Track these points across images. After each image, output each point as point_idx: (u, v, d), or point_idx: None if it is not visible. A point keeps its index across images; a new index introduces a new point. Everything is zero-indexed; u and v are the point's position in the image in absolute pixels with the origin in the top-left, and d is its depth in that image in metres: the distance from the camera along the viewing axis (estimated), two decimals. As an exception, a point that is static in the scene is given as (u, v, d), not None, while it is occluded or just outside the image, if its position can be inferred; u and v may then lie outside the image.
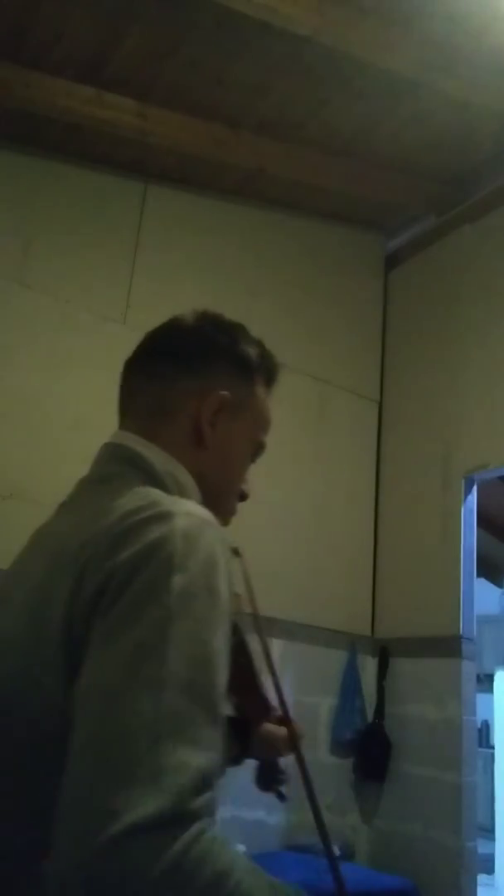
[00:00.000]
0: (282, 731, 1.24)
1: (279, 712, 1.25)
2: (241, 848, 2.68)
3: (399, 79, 2.68)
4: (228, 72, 2.73)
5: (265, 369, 1.00)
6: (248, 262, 3.41)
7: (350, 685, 3.16)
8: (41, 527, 0.91)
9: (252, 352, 0.98)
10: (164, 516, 0.74)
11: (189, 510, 0.77)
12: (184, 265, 3.21)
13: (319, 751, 3.09)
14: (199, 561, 0.72)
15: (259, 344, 1.01)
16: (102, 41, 2.59)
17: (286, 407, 3.37)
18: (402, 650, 3.17)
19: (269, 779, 1.31)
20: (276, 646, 3.06)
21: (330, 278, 3.65)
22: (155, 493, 0.80)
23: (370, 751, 3.08)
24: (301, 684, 3.07)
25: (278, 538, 3.17)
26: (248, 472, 1.02)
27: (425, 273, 3.63)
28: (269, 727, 1.24)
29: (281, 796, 1.32)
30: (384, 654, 3.23)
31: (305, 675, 3.09)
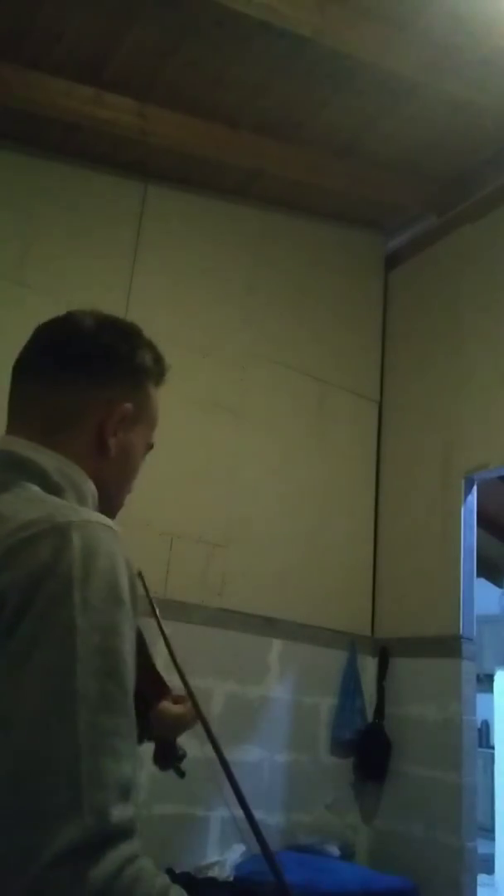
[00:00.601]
0: (178, 708, 1.27)
1: (176, 692, 1.28)
2: (240, 848, 2.68)
3: (399, 79, 2.68)
4: (228, 72, 2.73)
5: (158, 372, 0.99)
6: (248, 262, 3.41)
7: (350, 685, 3.16)
8: None
9: (148, 359, 0.97)
10: (60, 528, 0.72)
11: (86, 517, 0.76)
12: (184, 265, 3.21)
13: (319, 751, 3.09)
14: (99, 569, 0.71)
15: (152, 347, 0.99)
16: (102, 41, 2.59)
17: (286, 407, 3.41)
18: (402, 650, 3.16)
19: (167, 756, 1.32)
20: (276, 646, 3.06)
21: (330, 278, 3.65)
22: (49, 504, 0.78)
23: (370, 751, 3.08)
24: (301, 684, 3.07)
25: (278, 538, 3.17)
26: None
27: (425, 273, 3.63)
28: (165, 705, 1.26)
29: (180, 773, 1.34)
30: (384, 654, 3.23)
31: (305, 675, 3.09)
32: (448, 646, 2.93)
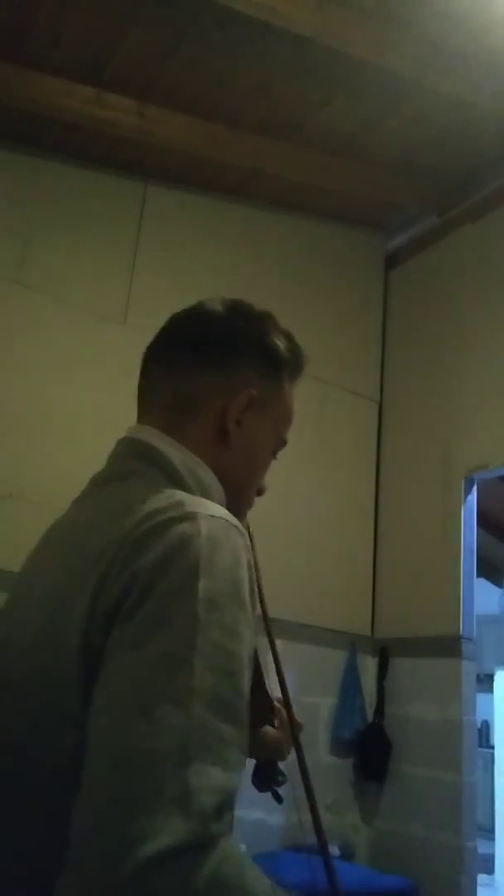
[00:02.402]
0: (277, 733, 1.22)
1: (283, 713, 1.24)
2: (241, 848, 2.68)
3: (399, 79, 2.68)
4: (228, 72, 2.73)
5: (293, 363, 0.96)
6: (248, 262, 3.41)
7: (350, 685, 3.16)
8: (53, 526, 0.88)
9: (281, 345, 0.94)
10: (188, 518, 0.71)
11: (213, 512, 0.74)
12: (184, 265, 3.21)
13: (319, 751, 3.09)
14: (224, 565, 0.69)
15: (288, 336, 0.96)
16: (102, 41, 2.59)
17: (286, 407, 3.40)
18: (402, 650, 3.16)
19: (267, 779, 1.30)
20: (277, 646, 3.06)
21: (330, 278, 3.65)
22: (178, 494, 0.76)
23: (370, 751, 3.08)
24: (301, 684, 3.07)
25: (278, 538, 3.16)
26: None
27: (425, 273, 3.63)
28: (269, 729, 1.22)
29: (278, 797, 1.31)
30: (384, 654, 3.23)
31: (305, 675, 3.09)
32: (448, 646, 2.93)
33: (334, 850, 2.86)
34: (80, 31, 2.54)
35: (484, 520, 3.91)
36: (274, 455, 0.98)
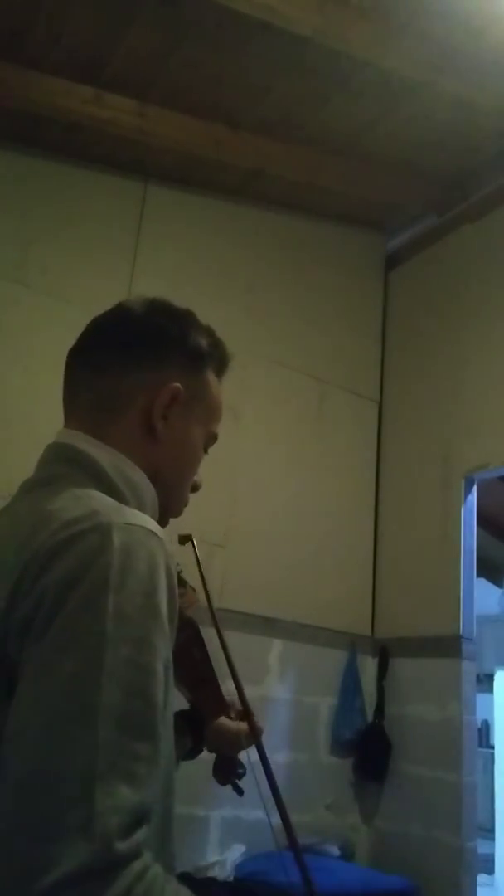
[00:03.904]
0: (239, 725, 1.23)
1: (238, 707, 1.25)
2: (240, 848, 2.68)
3: (399, 79, 2.68)
4: (228, 72, 2.73)
5: (216, 358, 0.96)
6: (248, 262, 3.41)
7: (350, 685, 3.16)
8: None
9: (203, 341, 0.94)
10: (100, 529, 0.69)
11: (130, 520, 0.73)
12: (184, 265, 3.21)
13: (319, 751, 3.09)
14: (137, 576, 0.68)
15: (209, 332, 0.97)
16: (102, 41, 2.59)
17: (286, 407, 3.41)
18: (402, 650, 3.16)
19: (226, 772, 1.31)
20: (276, 646, 3.06)
21: (330, 278, 3.64)
22: (95, 501, 0.75)
23: (370, 751, 3.08)
24: (301, 684, 3.07)
25: (278, 538, 3.16)
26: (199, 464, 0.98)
27: (425, 273, 3.63)
28: (225, 721, 1.23)
29: (238, 790, 1.32)
30: (384, 654, 3.22)
31: (305, 675, 3.09)
32: (448, 646, 2.93)
33: (334, 850, 2.86)
34: (80, 31, 2.54)
35: (484, 520, 3.91)
36: (205, 450, 0.97)
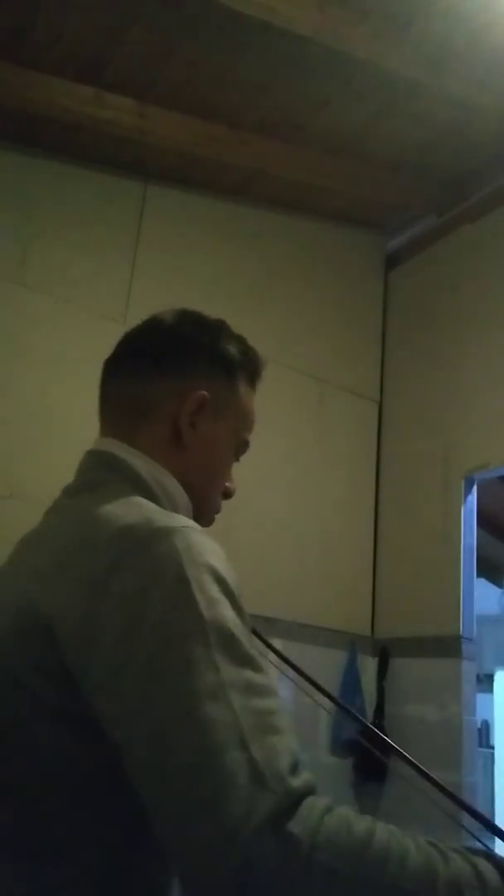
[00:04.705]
0: None
1: None
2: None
3: (399, 79, 2.68)
4: (228, 72, 2.73)
5: (247, 367, 0.98)
6: (248, 262, 3.40)
7: (350, 685, 3.16)
8: (25, 536, 0.89)
9: (233, 349, 0.96)
10: (164, 532, 0.73)
11: (182, 522, 0.77)
12: (184, 265, 3.21)
13: (319, 751, 3.08)
14: (209, 567, 0.72)
15: (241, 341, 0.98)
16: (102, 41, 2.59)
17: (286, 406, 3.40)
18: (402, 650, 3.16)
19: None
20: (276, 645, 3.06)
21: (330, 278, 3.64)
22: (147, 508, 0.78)
23: (370, 751, 3.08)
24: (301, 684, 3.07)
25: (278, 538, 3.16)
26: (231, 471, 1.01)
27: (425, 273, 3.63)
28: None
29: None
30: (384, 654, 3.22)
31: (305, 675, 3.09)
32: (448, 646, 2.93)
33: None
34: (80, 31, 2.54)
35: (484, 520, 3.91)
36: (236, 457, 1.00)
